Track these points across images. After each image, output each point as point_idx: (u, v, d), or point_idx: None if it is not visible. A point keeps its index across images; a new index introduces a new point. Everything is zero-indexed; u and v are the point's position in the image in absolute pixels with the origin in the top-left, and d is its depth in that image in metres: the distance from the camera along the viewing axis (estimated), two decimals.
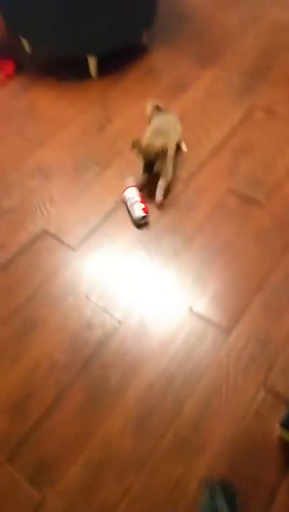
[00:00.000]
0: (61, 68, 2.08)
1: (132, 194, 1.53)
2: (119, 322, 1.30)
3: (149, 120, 1.63)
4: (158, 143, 1.45)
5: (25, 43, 2.11)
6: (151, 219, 1.53)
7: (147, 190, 1.59)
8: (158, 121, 1.58)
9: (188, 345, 1.25)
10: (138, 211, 1.49)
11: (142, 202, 1.51)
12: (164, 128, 1.54)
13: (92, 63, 1.99)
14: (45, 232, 1.52)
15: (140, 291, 1.36)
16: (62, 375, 1.21)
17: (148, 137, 1.49)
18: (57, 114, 1.89)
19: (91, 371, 1.22)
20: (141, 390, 1.17)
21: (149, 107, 1.65)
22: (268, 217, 1.49)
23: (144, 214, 1.49)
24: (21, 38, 2.07)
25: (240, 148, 1.69)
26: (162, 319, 1.30)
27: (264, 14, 2.27)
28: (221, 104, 1.85)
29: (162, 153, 1.46)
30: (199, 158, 1.68)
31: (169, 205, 1.56)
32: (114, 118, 1.85)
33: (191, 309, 1.31)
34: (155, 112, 1.65)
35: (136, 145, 1.47)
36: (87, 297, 1.36)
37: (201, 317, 1.30)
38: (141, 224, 1.51)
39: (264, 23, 2.22)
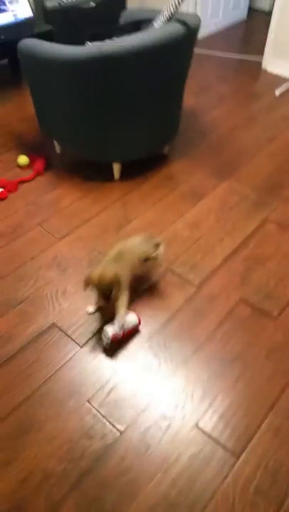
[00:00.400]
0: (87, 169, 2.34)
1: (130, 320, 1.53)
2: (121, 433, 1.29)
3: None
4: (110, 272, 1.42)
5: (56, 143, 2.42)
6: (161, 321, 1.60)
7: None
8: (116, 247, 1.57)
9: (192, 467, 1.22)
10: (108, 331, 1.48)
11: (123, 334, 1.50)
12: (118, 254, 1.53)
13: (116, 168, 2.25)
14: (54, 326, 1.59)
15: (145, 400, 1.37)
16: (55, 489, 1.17)
17: (101, 268, 1.45)
18: (79, 211, 2.09)
19: (85, 488, 1.18)
20: None
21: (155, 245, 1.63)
22: (280, 332, 1.55)
23: (109, 337, 1.48)
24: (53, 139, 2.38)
25: (253, 259, 1.83)
26: (167, 434, 1.29)
27: (278, 135, 2.61)
28: (234, 215, 2.05)
29: (116, 280, 1.43)
30: (212, 264, 1.81)
31: (179, 310, 1.64)
32: (132, 219, 2.04)
33: (197, 425, 1.31)
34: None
35: (89, 282, 1.43)
36: (89, 402, 1.37)
37: (207, 436, 1.29)
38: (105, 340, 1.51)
39: (278, 143, 2.54)
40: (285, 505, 1.15)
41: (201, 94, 3.04)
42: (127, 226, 2.01)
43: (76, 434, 1.28)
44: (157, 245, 1.62)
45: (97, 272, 1.43)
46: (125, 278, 1.49)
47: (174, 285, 1.74)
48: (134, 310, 1.64)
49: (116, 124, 2.01)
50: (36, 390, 1.39)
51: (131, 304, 1.66)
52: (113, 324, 1.49)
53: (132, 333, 1.55)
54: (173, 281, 1.75)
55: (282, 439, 1.28)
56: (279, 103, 2.94)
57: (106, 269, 1.44)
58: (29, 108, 2.89)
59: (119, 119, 1.99)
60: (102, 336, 1.51)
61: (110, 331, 1.47)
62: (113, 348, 1.52)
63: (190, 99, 2.98)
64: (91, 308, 1.63)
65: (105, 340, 1.50)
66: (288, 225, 1.99)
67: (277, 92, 3.05)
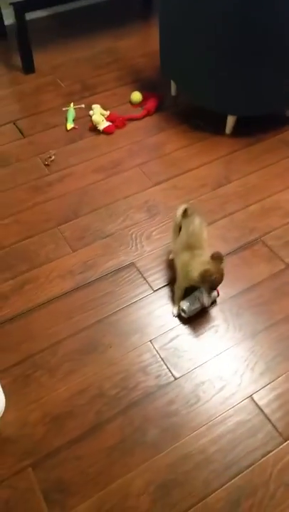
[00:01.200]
0: (198, 118, 2.36)
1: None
2: (175, 379, 1.41)
3: (179, 225, 1.57)
4: (213, 267, 1.42)
5: (172, 85, 2.46)
6: (239, 289, 1.64)
7: None
8: (187, 235, 1.53)
9: (237, 432, 1.30)
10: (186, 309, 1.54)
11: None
12: (189, 245, 1.51)
13: (230, 121, 2.24)
14: (132, 265, 1.72)
15: (205, 357, 1.46)
16: (105, 408, 1.35)
17: (200, 266, 1.43)
18: (180, 160, 2.15)
19: (132, 417, 1.33)
20: (174, 457, 1.25)
21: (180, 211, 1.56)
22: None
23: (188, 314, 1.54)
24: (171, 80, 2.41)
25: None
26: (219, 394, 1.38)
27: None
28: None
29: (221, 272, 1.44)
30: None
31: (261, 283, 1.66)
32: (234, 180, 2.05)
33: (251, 397, 1.37)
34: (184, 216, 1.56)
35: (208, 275, 1.41)
36: (151, 342, 1.50)
37: (259, 410, 1.35)
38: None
39: None
40: None
41: None
42: (227, 185, 2.03)
43: (134, 367, 1.43)
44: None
45: (210, 267, 1.42)
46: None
47: (261, 257, 1.75)
48: None
49: (242, 73, 1.98)
50: (106, 318, 1.56)
51: None
52: (190, 300, 1.56)
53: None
54: (261, 252, 1.77)
55: None
56: None
57: (208, 265, 1.43)
58: (153, 44, 2.93)
59: (247, 68, 1.96)
60: (180, 309, 1.57)
61: (187, 307, 1.54)
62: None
63: None
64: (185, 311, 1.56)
65: (185, 314, 1.56)
66: None
67: None
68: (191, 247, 1.51)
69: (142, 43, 2.96)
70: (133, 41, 2.98)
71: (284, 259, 1.74)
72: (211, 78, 2.06)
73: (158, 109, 2.41)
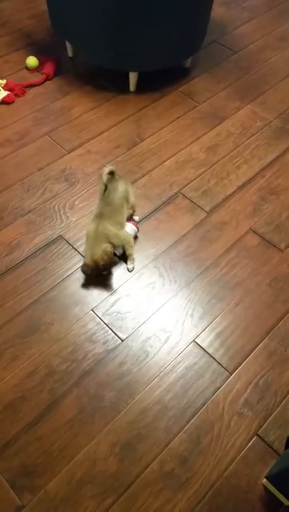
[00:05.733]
0: (101, 77, 2.22)
1: (130, 230, 1.58)
2: (122, 341, 1.38)
3: (105, 187, 1.47)
4: (98, 252, 1.40)
5: (68, 46, 2.26)
6: (168, 243, 1.63)
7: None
8: (105, 202, 1.47)
9: (187, 377, 1.32)
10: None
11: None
12: (109, 212, 1.46)
13: (132, 78, 2.13)
14: (61, 238, 1.62)
15: (147, 313, 1.45)
16: (58, 384, 1.29)
17: (89, 251, 1.43)
18: (91, 123, 2.02)
19: (86, 386, 1.29)
20: (133, 414, 1.25)
21: (105, 174, 1.46)
22: (285, 264, 1.59)
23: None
24: (65, 40, 2.22)
25: (268, 189, 1.81)
26: (165, 345, 1.38)
27: None
28: (255, 142, 1.98)
29: (106, 254, 1.41)
30: (225, 192, 1.80)
31: (187, 234, 1.66)
32: (146, 137, 1.98)
33: (195, 342, 1.39)
34: (110, 180, 1.47)
35: (89, 268, 1.42)
36: (93, 311, 1.44)
37: (204, 351, 1.38)
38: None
39: None
40: (269, 419, 1.26)
41: (231, 4, 2.78)
42: (140, 144, 1.96)
43: (80, 338, 1.37)
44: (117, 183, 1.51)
45: (89, 258, 1.42)
46: (120, 223, 1.51)
47: (184, 209, 1.74)
48: (142, 231, 1.67)
49: (136, 26, 1.86)
50: (43, 296, 1.46)
51: (139, 224, 1.68)
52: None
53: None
54: (183, 205, 1.75)
55: (275, 362, 1.37)
56: None
57: (93, 250, 1.41)
58: (41, 3, 2.65)
59: (140, 21, 1.84)
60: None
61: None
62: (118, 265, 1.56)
63: (219, 8, 2.73)
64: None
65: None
66: None
67: None
68: (101, 216, 1.44)
69: (27, 3, 2.66)
70: (18, 2, 2.67)
71: (204, 208, 1.74)
72: (107, 36, 1.92)
73: (57, 72, 2.22)
